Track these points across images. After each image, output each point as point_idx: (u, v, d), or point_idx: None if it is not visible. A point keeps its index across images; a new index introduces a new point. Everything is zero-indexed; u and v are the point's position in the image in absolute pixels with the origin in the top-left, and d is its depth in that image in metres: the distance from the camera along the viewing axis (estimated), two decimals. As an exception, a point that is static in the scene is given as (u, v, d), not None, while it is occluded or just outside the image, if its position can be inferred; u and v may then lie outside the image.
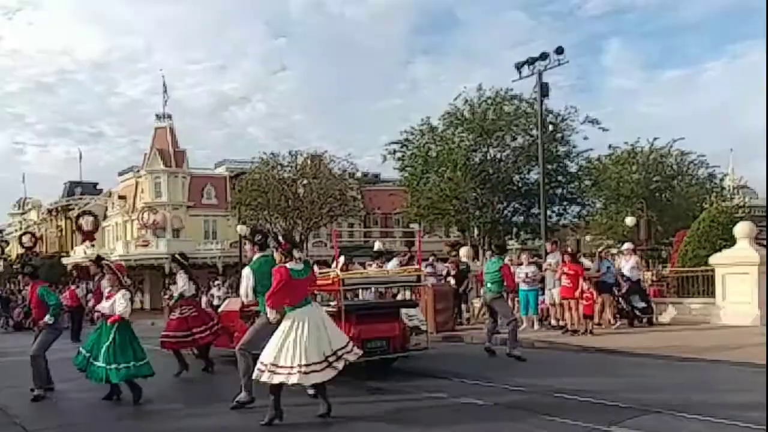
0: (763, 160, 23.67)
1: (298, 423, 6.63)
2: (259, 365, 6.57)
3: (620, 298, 14.20)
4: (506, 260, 12.29)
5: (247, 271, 7.57)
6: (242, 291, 7.56)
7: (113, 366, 7.58)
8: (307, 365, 6.38)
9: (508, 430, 6.12)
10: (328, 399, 6.69)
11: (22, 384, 8.61)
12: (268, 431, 6.43)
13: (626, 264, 14.42)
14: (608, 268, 14.20)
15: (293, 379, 6.41)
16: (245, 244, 8.35)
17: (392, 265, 11.55)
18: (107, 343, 7.67)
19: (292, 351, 6.41)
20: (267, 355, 6.52)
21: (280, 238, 7.32)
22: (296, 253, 6.85)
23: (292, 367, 6.39)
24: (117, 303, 7.80)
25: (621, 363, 9.83)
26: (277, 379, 6.43)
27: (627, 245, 15.51)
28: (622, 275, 14.22)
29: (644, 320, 14.11)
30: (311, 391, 7.11)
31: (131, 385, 7.79)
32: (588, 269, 14.24)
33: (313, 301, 7.07)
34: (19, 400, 8.19)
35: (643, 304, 14.15)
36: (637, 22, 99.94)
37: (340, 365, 6.58)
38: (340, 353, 6.59)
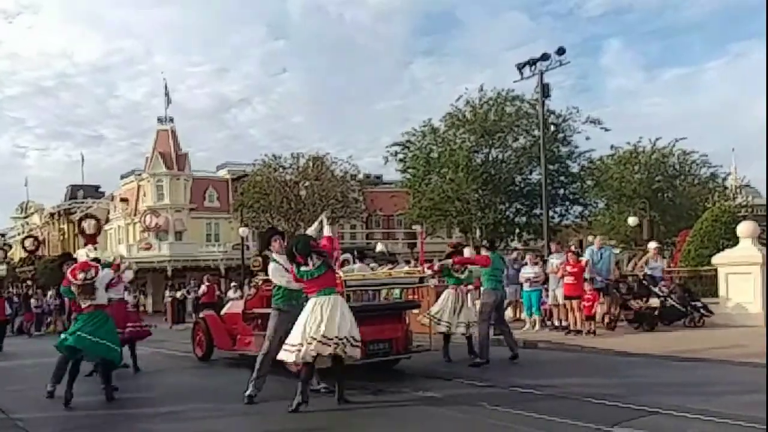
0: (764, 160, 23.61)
1: (295, 426, 6.64)
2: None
3: (666, 299, 13.64)
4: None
5: None
6: None
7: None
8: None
9: (510, 430, 6.11)
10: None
11: (25, 387, 8.63)
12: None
13: (655, 264, 14.08)
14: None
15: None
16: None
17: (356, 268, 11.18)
18: None
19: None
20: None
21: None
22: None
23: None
24: None
25: (623, 364, 9.81)
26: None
27: (653, 244, 15.06)
28: (651, 276, 13.81)
29: (698, 318, 13.42)
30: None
31: None
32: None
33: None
34: (22, 403, 8.21)
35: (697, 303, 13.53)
36: (637, 21, 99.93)
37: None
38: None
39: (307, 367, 7.07)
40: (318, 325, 6.91)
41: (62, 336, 8.32)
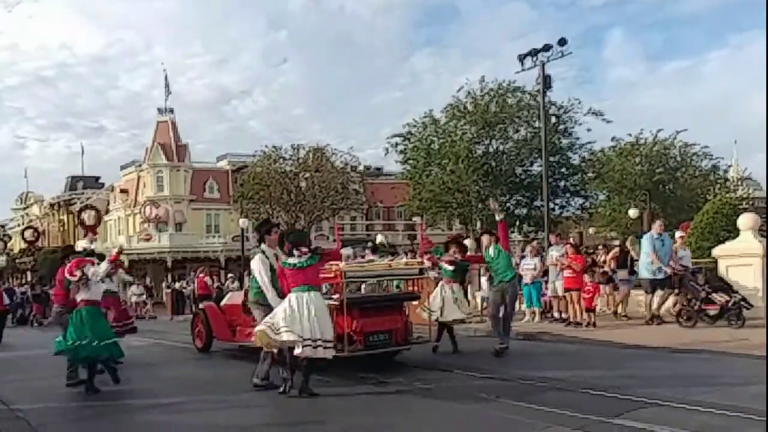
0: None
1: (296, 417, 6.64)
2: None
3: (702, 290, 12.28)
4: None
5: None
6: None
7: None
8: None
9: (511, 422, 6.10)
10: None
11: (26, 378, 8.63)
12: (271, 425, 6.44)
13: (683, 253, 13.51)
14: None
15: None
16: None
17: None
18: None
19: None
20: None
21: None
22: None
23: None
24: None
25: (623, 355, 9.80)
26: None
27: (679, 233, 14.67)
28: (684, 267, 12.84)
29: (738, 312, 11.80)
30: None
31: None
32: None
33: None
34: (23, 394, 8.20)
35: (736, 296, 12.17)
36: (639, 12, 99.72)
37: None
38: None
39: (289, 355, 7.28)
40: (290, 318, 7.04)
41: (62, 341, 8.12)
